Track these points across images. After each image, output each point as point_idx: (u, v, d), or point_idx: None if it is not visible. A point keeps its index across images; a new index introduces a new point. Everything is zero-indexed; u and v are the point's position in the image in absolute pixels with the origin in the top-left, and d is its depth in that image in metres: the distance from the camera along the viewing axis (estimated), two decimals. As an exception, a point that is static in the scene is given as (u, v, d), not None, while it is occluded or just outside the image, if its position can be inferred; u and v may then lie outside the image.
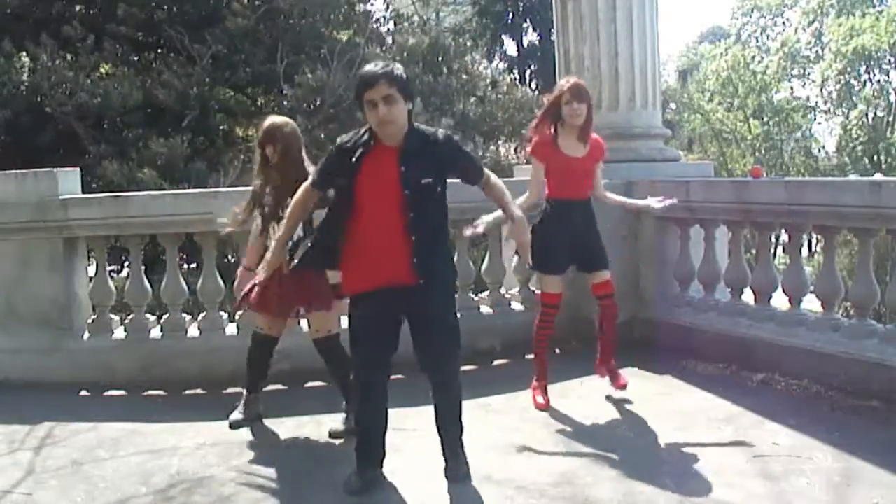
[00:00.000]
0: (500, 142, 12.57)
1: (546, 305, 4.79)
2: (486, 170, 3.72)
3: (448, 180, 3.59)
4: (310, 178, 3.74)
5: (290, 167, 4.24)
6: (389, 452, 3.81)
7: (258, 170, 4.41)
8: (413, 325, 3.65)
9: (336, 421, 4.38)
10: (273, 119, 4.38)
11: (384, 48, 13.32)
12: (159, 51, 12.16)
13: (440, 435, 3.80)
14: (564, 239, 4.60)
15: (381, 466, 3.77)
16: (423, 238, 3.50)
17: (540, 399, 4.76)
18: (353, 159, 3.47)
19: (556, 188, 4.64)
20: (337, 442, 4.31)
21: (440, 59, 13.41)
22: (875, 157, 28.57)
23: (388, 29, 14.17)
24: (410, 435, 4.27)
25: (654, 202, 4.76)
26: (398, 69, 3.47)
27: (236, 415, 4.48)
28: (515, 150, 12.09)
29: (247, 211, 4.48)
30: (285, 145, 4.26)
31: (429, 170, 3.49)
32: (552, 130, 4.63)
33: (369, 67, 3.49)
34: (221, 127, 12.18)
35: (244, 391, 4.58)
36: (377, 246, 3.51)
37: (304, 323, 5.71)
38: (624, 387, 4.77)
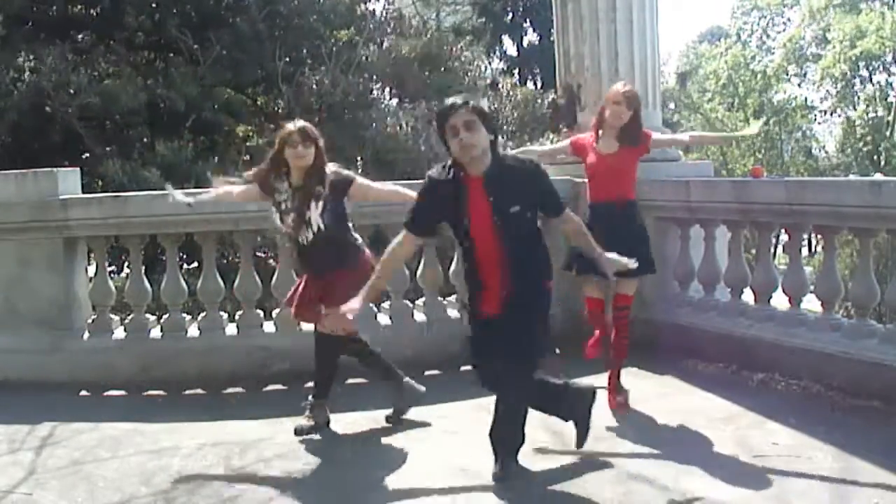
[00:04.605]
0: (501, 141, 12.56)
1: (588, 311, 4.82)
2: (567, 210, 3.83)
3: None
4: (405, 223, 3.72)
5: (321, 168, 4.23)
6: (387, 454, 3.81)
7: (271, 169, 4.31)
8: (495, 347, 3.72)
9: (302, 418, 4.42)
10: (301, 122, 4.30)
11: (384, 49, 13.32)
12: (162, 52, 12.17)
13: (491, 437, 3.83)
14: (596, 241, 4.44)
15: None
16: (515, 266, 3.60)
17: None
18: (454, 193, 3.57)
19: (590, 191, 4.75)
20: (337, 442, 4.31)
21: (440, 57, 13.42)
22: (875, 158, 28.56)
23: (388, 29, 14.16)
24: (411, 436, 4.27)
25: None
26: (479, 100, 3.62)
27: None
28: (516, 149, 12.11)
29: (245, 196, 4.45)
30: (321, 146, 4.25)
31: (516, 197, 3.58)
32: (598, 132, 4.69)
33: (451, 99, 3.62)
34: (223, 127, 12.20)
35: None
36: (484, 274, 3.66)
37: (304, 323, 5.73)
38: (617, 408, 4.67)
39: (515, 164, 3.69)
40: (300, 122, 4.29)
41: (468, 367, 4.94)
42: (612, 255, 3.82)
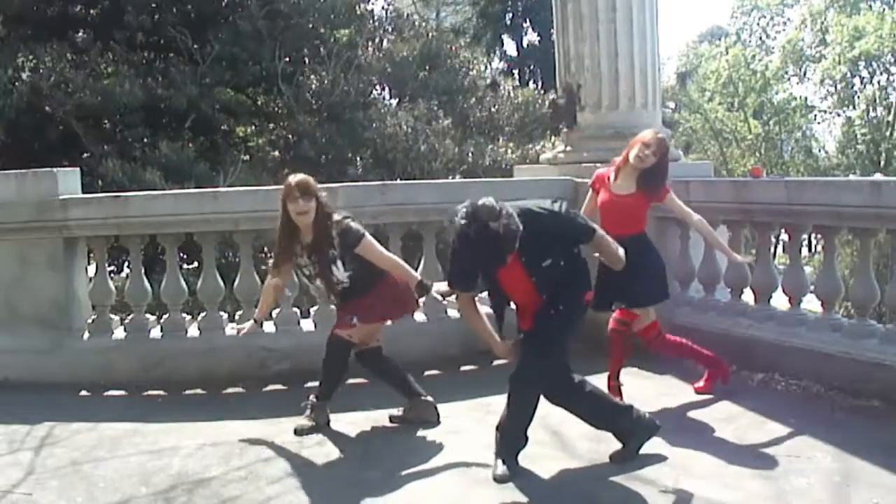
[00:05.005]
0: (500, 141, 12.55)
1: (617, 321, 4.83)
2: (596, 230, 3.86)
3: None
4: (460, 287, 3.84)
5: (327, 221, 4.26)
6: (387, 454, 3.80)
7: (283, 235, 4.32)
8: None
9: (302, 418, 4.44)
10: (300, 176, 4.30)
11: (384, 49, 13.32)
12: (161, 52, 12.17)
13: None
14: (606, 276, 4.35)
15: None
16: (553, 296, 3.75)
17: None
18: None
19: (602, 223, 4.67)
20: (337, 442, 4.31)
21: (440, 57, 13.42)
22: (875, 158, 28.55)
23: (388, 29, 14.16)
24: (411, 436, 4.27)
25: (745, 259, 5.04)
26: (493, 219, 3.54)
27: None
28: (516, 149, 12.10)
29: (277, 272, 4.50)
30: (322, 200, 4.27)
31: (546, 250, 3.67)
32: (619, 169, 4.67)
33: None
34: (222, 127, 12.20)
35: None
36: (520, 305, 3.87)
37: (304, 323, 5.74)
38: None
39: (536, 216, 3.65)
40: (298, 177, 4.29)
41: (469, 368, 4.95)
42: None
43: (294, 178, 4.26)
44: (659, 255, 4.77)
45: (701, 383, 4.86)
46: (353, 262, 4.28)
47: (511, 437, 3.78)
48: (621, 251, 3.92)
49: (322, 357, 4.46)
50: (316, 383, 4.52)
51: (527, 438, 3.82)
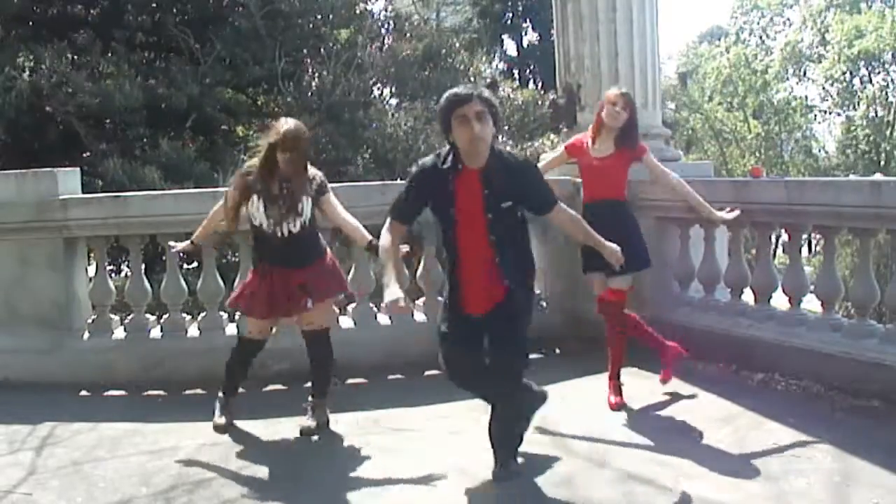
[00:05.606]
0: (500, 139, 12.58)
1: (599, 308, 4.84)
2: (559, 203, 3.75)
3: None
4: (390, 211, 3.72)
5: (305, 169, 4.32)
6: (387, 454, 3.81)
7: (264, 170, 4.30)
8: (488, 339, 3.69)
9: (305, 419, 4.43)
10: (293, 125, 4.27)
11: (384, 49, 13.32)
12: (162, 52, 12.17)
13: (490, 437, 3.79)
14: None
15: None
16: (504, 265, 3.57)
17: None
18: (445, 181, 3.53)
19: (585, 189, 4.84)
20: (338, 442, 4.31)
21: (440, 57, 13.42)
22: (875, 158, 28.55)
23: (388, 29, 14.17)
24: (411, 436, 4.27)
25: (724, 214, 4.90)
26: (487, 92, 3.57)
27: (222, 419, 4.48)
28: (516, 147, 12.13)
29: (235, 209, 4.42)
30: (305, 152, 4.32)
31: (509, 192, 3.54)
32: (595, 133, 4.77)
33: (459, 88, 3.56)
34: (222, 126, 12.20)
35: (221, 394, 4.57)
36: (468, 269, 3.60)
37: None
38: (613, 407, 4.70)
39: (511, 158, 3.64)
40: (290, 123, 4.27)
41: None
42: (613, 245, 3.83)
43: (285, 124, 4.23)
44: (638, 224, 4.84)
45: (662, 373, 4.84)
46: (311, 213, 4.35)
47: (509, 438, 3.77)
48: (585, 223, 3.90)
49: (312, 355, 4.48)
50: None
51: (523, 436, 3.81)
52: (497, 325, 3.62)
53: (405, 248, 4.05)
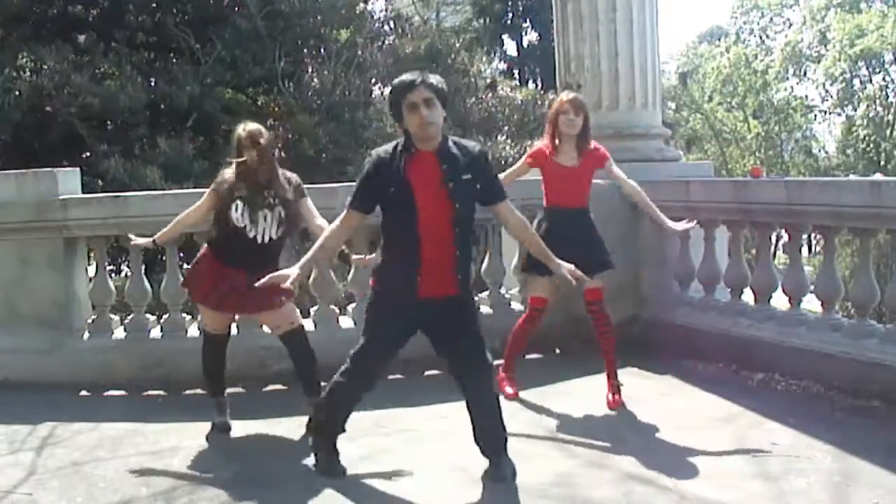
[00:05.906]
0: (500, 139, 12.56)
1: (532, 308, 4.87)
2: (507, 199, 3.74)
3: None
4: (349, 202, 3.67)
5: (275, 167, 4.35)
6: (386, 454, 3.80)
7: (241, 170, 4.31)
8: (441, 333, 3.68)
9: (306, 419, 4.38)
10: (251, 125, 4.34)
11: (384, 49, 13.31)
12: (162, 52, 12.17)
13: (478, 438, 3.76)
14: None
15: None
16: (462, 251, 3.59)
17: (509, 390, 4.82)
18: (401, 164, 3.52)
19: (549, 196, 4.79)
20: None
21: (440, 57, 13.41)
22: (875, 158, 28.55)
23: (388, 29, 14.16)
24: (410, 436, 4.27)
25: (679, 225, 4.83)
26: (435, 76, 3.59)
27: (221, 418, 4.50)
28: (515, 146, 12.12)
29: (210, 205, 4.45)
30: (270, 147, 4.37)
31: (466, 170, 3.56)
32: (555, 142, 4.73)
33: (406, 75, 3.59)
34: (223, 126, 12.19)
35: (210, 396, 4.58)
36: (430, 249, 3.52)
37: (304, 323, 5.72)
38: (612, 406, 4.70)
39: (463, 144, 3.67)
40: (248, 124, 4.33)
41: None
42: (565, 266, 3.81)
43: (245, 129, 4.28)
44: (596, 228, 4.85)
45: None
46: (290, 222, 4.35)
47: (498, 434, 3.74)
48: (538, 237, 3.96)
49: (291, 356, 4.48)
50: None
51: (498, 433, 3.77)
52: (457, 313, 3.63)
53: (359, 257, 4.26)
